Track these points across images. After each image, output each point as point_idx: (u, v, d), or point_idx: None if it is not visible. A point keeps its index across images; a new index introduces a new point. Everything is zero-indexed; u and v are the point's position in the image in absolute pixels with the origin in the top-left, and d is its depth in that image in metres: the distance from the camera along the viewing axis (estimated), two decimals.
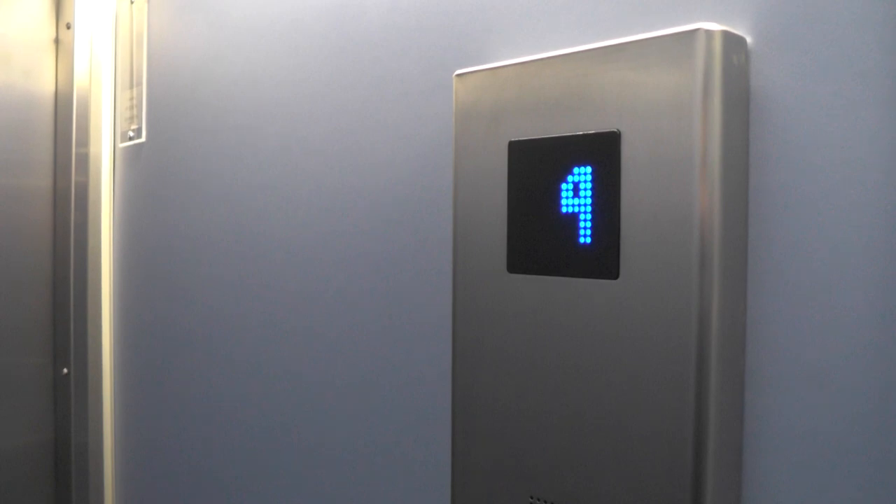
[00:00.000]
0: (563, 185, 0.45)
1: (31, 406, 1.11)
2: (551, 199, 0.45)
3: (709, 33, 0.39)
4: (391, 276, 0.63)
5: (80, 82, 1.07)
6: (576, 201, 0.44)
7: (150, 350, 1.02)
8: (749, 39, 0.41)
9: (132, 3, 1.05)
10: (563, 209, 0.45)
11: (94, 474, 1.10)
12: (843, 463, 0.38)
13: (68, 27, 1.09)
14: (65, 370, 1.10)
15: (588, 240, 0.44)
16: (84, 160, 1.08)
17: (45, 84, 1.11)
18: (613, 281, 0.42)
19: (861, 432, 0.37)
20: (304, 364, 0.73)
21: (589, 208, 0.43)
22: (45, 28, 1.11)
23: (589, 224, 0.43)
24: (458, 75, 0.52)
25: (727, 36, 0.39)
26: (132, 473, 1.08)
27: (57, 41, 1.12)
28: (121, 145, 1.08)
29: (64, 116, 1.10)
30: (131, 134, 1.05)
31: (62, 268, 1.10)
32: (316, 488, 0.72)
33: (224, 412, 0.86)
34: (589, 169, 0.43)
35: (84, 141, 1.07)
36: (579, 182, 0.44)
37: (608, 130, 0.42)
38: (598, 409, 0.43)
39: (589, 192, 0.43)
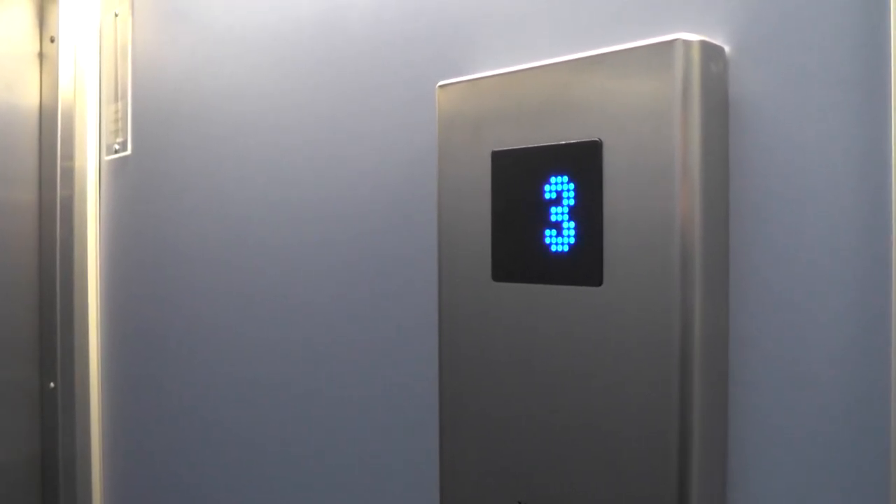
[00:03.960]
0: (546, 194, 0.45)
1: (18, 420, 1.11)
2: (535, 208, 0.46)
3: (687, 43, 0.39)
4: (377, 284, 0.63)
5: (64, 95, 1.07)
6: (559, 210, 0.44)
7: (138, 363, 1.02)
8: (727, 49, 0.41)
9: (116, 15, 1.05)
10: (547, 218, 0.45)
11: (82, 488, 1.09)
12: (826, 463, 0.38)
13: (52, 41, 1.09)
14: (51, 384, 1.09)
15: (571, 248, 0.44)
16: (69, 173, 1.07)
17: (29, 98, 1.11)
18: (597, 288, 0.43)
19: (843, 432, 0.38)
20: (291, 373, 0.73)
21: (572, 217, 0.44)
22: (28, 42, 1.11)
23: (572, 232, 0.44)
24: (441, 86, 0.52)
25: (705, 46, 0.40)
26: (120, 487, 1.08)
27: (41, 55, 1.12)
28: (106, 158, 1.08)
29: (49, 130, 1.10)
30: (117, 147, 1.05)
31: (48, 282, 1.10)
32: (305, 496, 0.72)
33: (212, 425, 0.86)
34: (572, 178, 0.44)
35: (69, 154, 1.07)
36: (562, 191, 0.44)
37: (590, 140, 0.43)
38: (585, 415, 0.44)
39: (572, 201, 0.44)
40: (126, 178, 1.03)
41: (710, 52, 0.40)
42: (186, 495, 0.92)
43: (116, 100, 1.05)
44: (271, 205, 0.75)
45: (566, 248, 0.44)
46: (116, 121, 1.05)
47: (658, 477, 0.41)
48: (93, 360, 1.10)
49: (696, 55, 0.39)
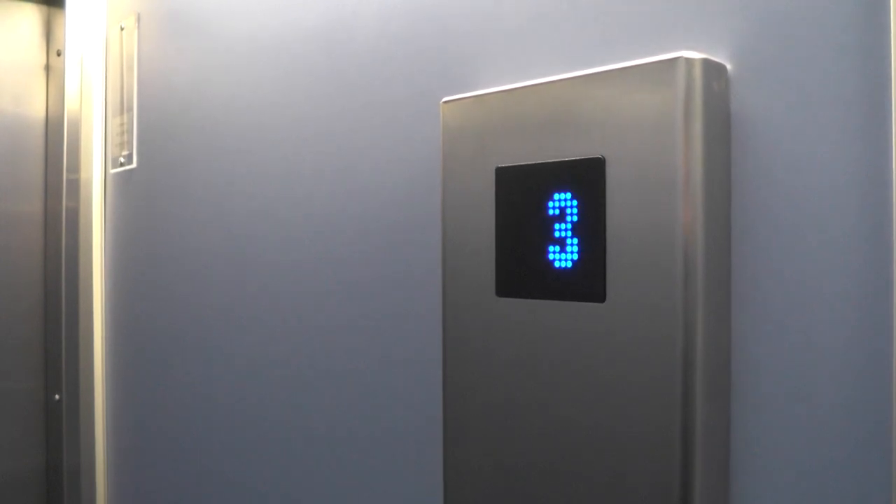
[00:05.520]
0: (550, 210, 0.45)
1: (24, 432, 1.11)
2: (539, 224, 0.46)
3: (689, 61, 0.40)
4: (381, 299, 0.63)
5: (70, 108, 1.08)
6: (562, 226, 0.45)
7: (143, 375, 1.02)
8: (729, 66, 0.42)
9: (122, 29, 1.05)
10: (550, 234, 0.45)
11: (87, 500, 1.10)
12: (828, 478, 0.38)
13: (58, 54, 1.10)
14: (57, 396, 1.09)
15: (575, 264, 0.44)
16: (75, 186, 1.08)
17: (35, 110, 1.12)
18: (600, 304, 0.43)
19: (845, 447, 0.38)
20: (296, 385, 0.73)
21: (575, 233, 0.44)
22: (35, 55, 1.12)
23: (576, 248, 0.44)
24: (446, 102, 0.52)
25: (707, 63, 0.40)
26: (125, 499, 1.08)
27: (47, 68, 1.13)
28: (111, 171, 1.09)
29: (55, 142, 1.10)
30: (122, 160, 1.05)
31: (53, 293, 1.10)
32: None
33: (218, 438, 0.86)
34: (575, 194, 0.44)
35: (75, 167, 1.08)
36: (566, 207, 0.45)
37: (593, 156, 0.43)
38: (588, 429, 0.44)
39: (575, 217, 0.44)
40: (131, 190, 1.04)
41: (712, 70, 0.40)
42: None
43: (122, 112, 1.05)
44: (276, 218, 0.75)
45: (570, 264, 0.45)
46: (122, 133, 1.05)
47: (661, 491, 0.41)
48: (98, 372, 1.10)
49: (698, 73, 0.40)
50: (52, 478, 1.12)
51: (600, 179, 0.43)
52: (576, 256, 0.44)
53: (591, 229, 0.43)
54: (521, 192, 0.47)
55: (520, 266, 0.47)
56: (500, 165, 0.48)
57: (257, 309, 0.79)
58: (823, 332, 0.38)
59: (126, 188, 1.05)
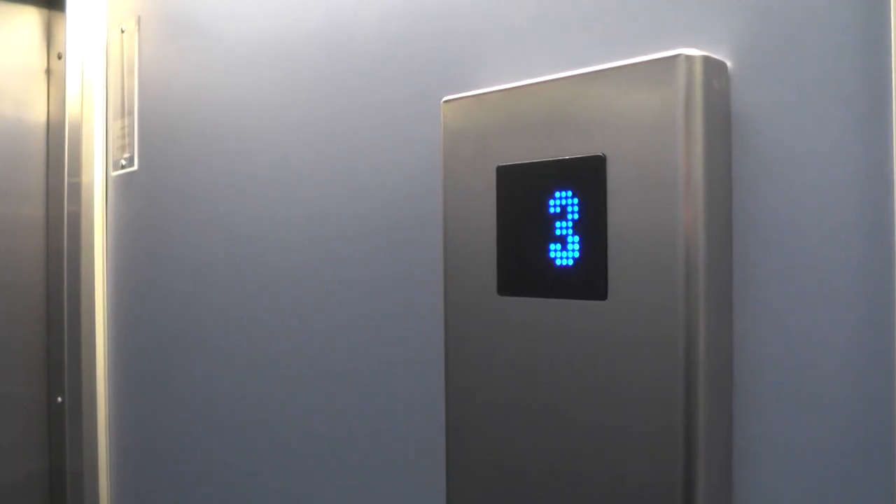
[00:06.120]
0: (551, 209, 0.45)
1: (26, 435, 1.11)
2: (540, 223, 0.46)
3: (690, 58, 0.40)
4: (382, 299, 0.63)
5: (71, 112, 1.08)
6: (563, 224, 0.45)
7: (144, 377, 1.02)
8: (730, 64, 0.42)
9: (123, 31, 1.06)
10: (552, 232, 0.45)
11: (90, 501, 1.10)
12: (828, 476, 0.38)
13: (59, 57, 1.10)
14: (59, 399, 1.09)
15: (576, 262, 0.44)
16: (76, 189, 1.08)
17: (36, 114, 1.12)
18: (602, 302, 0.43)
19: (845, 446, 0.38)
20: (297, 387, 0.73)
21: (576, 231, 0.44)
22: (36, 58, 1.12)
23: (577, 246, 0.44)
24: (446, 101, 0.52)
25: (708, 61, 0.40)
26: (127, 500, 1.08)
27: (48, 71, 1.13)
28: (113, 174, 1.09)
29: (56, 146, 1.10)
30: (123, 163, 1.05)
31: (55, 297, 1.10)
32: None
33: (220, 440, 0.86)
34: (576, 192, 0.44)
35: (76, 170, 1.08)
36: (567, 205, 0.45)
37: (594, 154, 0.43)
38: (590, 428, 0.44)
39: (576, 215, 0.44)
40: (132, 193, 1.04)
41: (713, 68, 0.41)
42: None
43: (123, 115, 1.06)
44: (277, 219, 0.75)
45: (571, 262, 0.45)
46: (123, 136, 1.06)
47: (664, 490, 0.41)
48: (100, 374, 1.10)
49: (698, 70, 0.40)
50: (55, 480, 1.11)
51: (601, 177, 0.43)
52: (577, 254, 0.44)
53: (593, 227, 0.43)
54: (522, 191, 0.47)
55: (521, 264, 0.47)
56: (500, 164, 0.48)
57: (258, 310, 0.79)
58: (825, 330, 0.38)
59: (127, 191, 1.05)
